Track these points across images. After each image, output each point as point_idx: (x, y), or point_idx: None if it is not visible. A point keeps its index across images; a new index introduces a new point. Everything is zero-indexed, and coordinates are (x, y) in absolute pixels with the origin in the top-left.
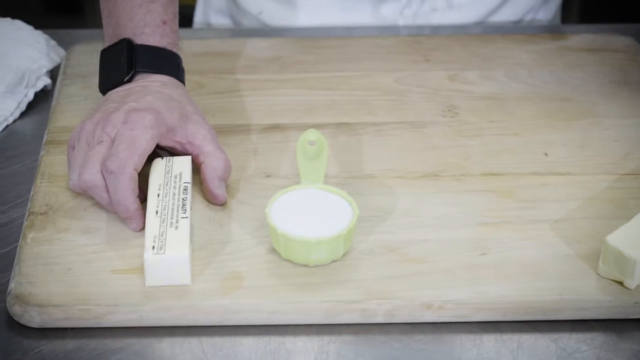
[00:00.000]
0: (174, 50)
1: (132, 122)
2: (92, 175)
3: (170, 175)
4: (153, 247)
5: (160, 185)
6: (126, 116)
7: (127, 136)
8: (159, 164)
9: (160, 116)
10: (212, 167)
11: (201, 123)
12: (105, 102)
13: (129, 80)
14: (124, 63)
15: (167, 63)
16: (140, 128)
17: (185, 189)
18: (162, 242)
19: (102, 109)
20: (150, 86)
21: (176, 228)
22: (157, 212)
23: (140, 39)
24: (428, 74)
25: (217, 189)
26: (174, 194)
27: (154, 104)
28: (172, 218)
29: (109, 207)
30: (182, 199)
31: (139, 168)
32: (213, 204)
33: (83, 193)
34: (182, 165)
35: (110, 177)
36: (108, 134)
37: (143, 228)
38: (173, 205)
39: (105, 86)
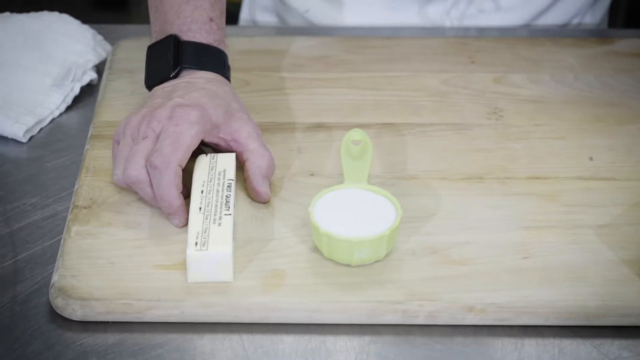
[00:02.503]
0: (221, 47)
1: (177, 118)
2: (137, 170)
3: (214, 172)
4: (196, 244)
5: (204, 181)
6: (171, 112)
7: (172, 132)
8: (202, 161)
9: (206, 112)
10: (256, 165)
11: (246, 120)
12: (150, 98)
13: (175, 77)
14: (170, 59)
15: (213, 60)
16: (185, 124)
17: (229, 186)
18: (205, 238)
19: (147, 105)
20: (196, 82)
21: (219, 225)
22: (200, 208)
23: (186, 36)
24: (474, 76)
25: (261, 187)
26: (217, 191)
27: (200, 100)
28: (215, 215)
29: (153, 202)
30: (226, 196)
31: (184, 164)
32: (256, 201)
33: (127, 188)
34: (226, 162)
35: (155, 172)
36: (153, 130)
37: (186, 224)
38: (216, 202)
39: (151, 82)
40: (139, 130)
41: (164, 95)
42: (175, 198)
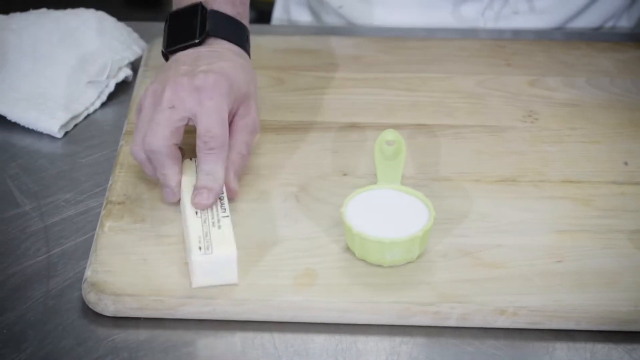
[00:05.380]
0: (244, 22)
1: (209, 90)
2: (160, 140)
3: None
4: (200, 248)
5: (194, 186)
6: (204, 81)
7: (209, 107)
8: (189, 166)
9: (235, 84)
10: (231, 160)
11: (252, 110)
12: (175, 64)
13: (200, 43)
14: (196, 25)
15: (238, 32)
16: (218, 96)
17: None
18: (207, 242)
19: (172, 71)
20: (222, 52)
21: (219, 227)
22: (197, 212)
23: (212, 6)
24: (509, 79)
25: (230, 182)
26: None
27: (227, 71)
28: (213, 218)
29: (155, 175)
30: (219, 199)
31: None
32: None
33: (141, 161)
34: None
35: (212, 153)
36: (182, 100)
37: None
38: (212, 205)
39: (172, 46)
40: (163, 98)
41: (190, 62)
42: (175, 175)
